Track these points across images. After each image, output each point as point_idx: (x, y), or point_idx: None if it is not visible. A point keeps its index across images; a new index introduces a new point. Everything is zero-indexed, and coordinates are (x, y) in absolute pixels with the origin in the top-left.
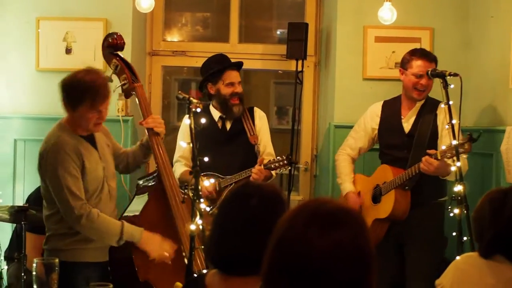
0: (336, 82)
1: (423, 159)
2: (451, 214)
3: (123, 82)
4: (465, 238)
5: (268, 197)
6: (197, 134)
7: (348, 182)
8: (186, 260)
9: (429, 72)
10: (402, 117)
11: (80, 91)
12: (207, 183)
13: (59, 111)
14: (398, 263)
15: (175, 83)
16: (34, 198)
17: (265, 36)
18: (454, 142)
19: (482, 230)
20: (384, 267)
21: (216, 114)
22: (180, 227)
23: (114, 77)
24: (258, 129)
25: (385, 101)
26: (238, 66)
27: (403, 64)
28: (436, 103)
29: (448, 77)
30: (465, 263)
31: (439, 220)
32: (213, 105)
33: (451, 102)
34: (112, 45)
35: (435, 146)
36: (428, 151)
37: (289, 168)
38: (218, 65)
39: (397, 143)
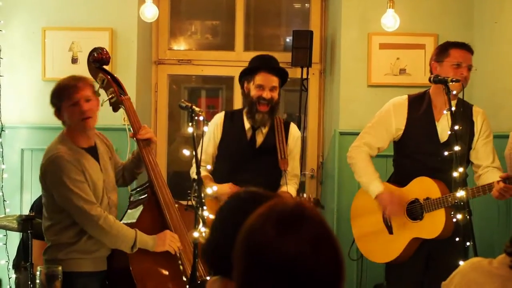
0: (341, 89)
1: (498, 187)
2: (454, 220)
3: (110, 96)
4: (468, 244)
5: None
6: (224, 140)
7: (377, 181)
8: (181, 268)
9: (431, 79)
10: (435, 120)
11: (57, 92)
12: (210, 190)
13: None
14: (422, 274)
15: (185, 91)
16: (38, 206)
17: (272, 44)
18: (457, 148)
19: None
20: (409, 279)
21: (247, 123)
22: (176, 234)
23: (102, 92)
24: (290, 150)
25: (411, 96)
26: (276, 70)
27: (438, 56)
28: (469, 106)
29: (450, 83)
30: (472, 269)
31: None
32: (245, 110)
33: (453, 108)
34: (97, 60)
35: (468, 155)
36: (501, 176)
37: None
38: (256, 63)
39: (429, 150)
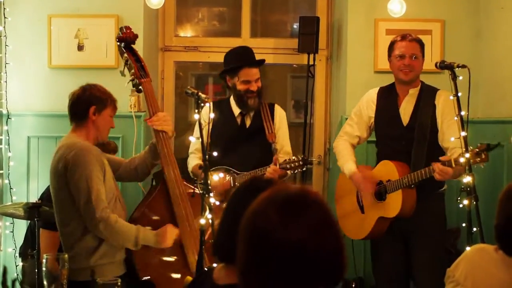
0: (347, 75)
1: (438, 169)
2: (461, 205)
3: (131, 77)
4: (474, 229)
5: None
6: (215, 128)
7: (351, 162)
8: (188, 258)
9: (438, 65)
10: (398, 106)
11: (107, 95)
12: (216, 177)
13: None
14: (403, 255)
15: (192, 78)
16: (48, 195)
17: (278, 30)
18: (463, 134)
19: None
20: (390, 260)
21: (236, 109)
22: (182, 227)
23: (127, 72)
24: (277, 128)
25: (381, 87)
26: (257, 63)
27: (388, 53)
28: (433, 91)
29: (457, 68)
30: (478, 256)
31: (441, 210)
32: (233, 99)
33: (459, 94)
34: (121, 39)
35: (435, 138)
36: (441, 158)
37: (304, 168)
38: (236, 61)
39: (395, 134)
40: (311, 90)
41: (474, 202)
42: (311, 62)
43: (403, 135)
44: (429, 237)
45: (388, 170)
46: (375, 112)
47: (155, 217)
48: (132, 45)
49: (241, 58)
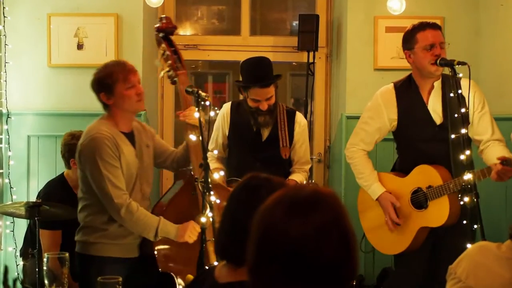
0: (347, 73)
1: (496, 169)
2: (461, 202)
3: (167, 69)
4: (475, 226)
5: (276, 189)
6: (233, 132)
7: (376, 183)
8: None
9: (438, 62)
10: (426, 103)
11: (107, 74)
12: (217, 175)
13: (71, 106)
14: (430, 257)
15: (191, 77)
16: (44, 194)
17: (278, 28)
18: (463, 131)
19: None
20: (417, 260)
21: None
22: None
23: (163, 62)
24: (296, 140)
25: (395, 84)
26: (267, 84)
27: (408, 44)
28: (457, 81)
29: (457, 66)
30: (480, 254)
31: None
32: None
33: (459, 91)
34: (160, 29)
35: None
36: (498, 158)
37: None
38: (246, 78)
39: (426, 135)
40: (311, 88)
41: (475, 199)
42: (310, 60)
43: (435, 135)
44: (459, 240)
45: (427, 175)
46: (398, 114)
47: (177, 213)
48: (171, 36)
49: (251, 76)
